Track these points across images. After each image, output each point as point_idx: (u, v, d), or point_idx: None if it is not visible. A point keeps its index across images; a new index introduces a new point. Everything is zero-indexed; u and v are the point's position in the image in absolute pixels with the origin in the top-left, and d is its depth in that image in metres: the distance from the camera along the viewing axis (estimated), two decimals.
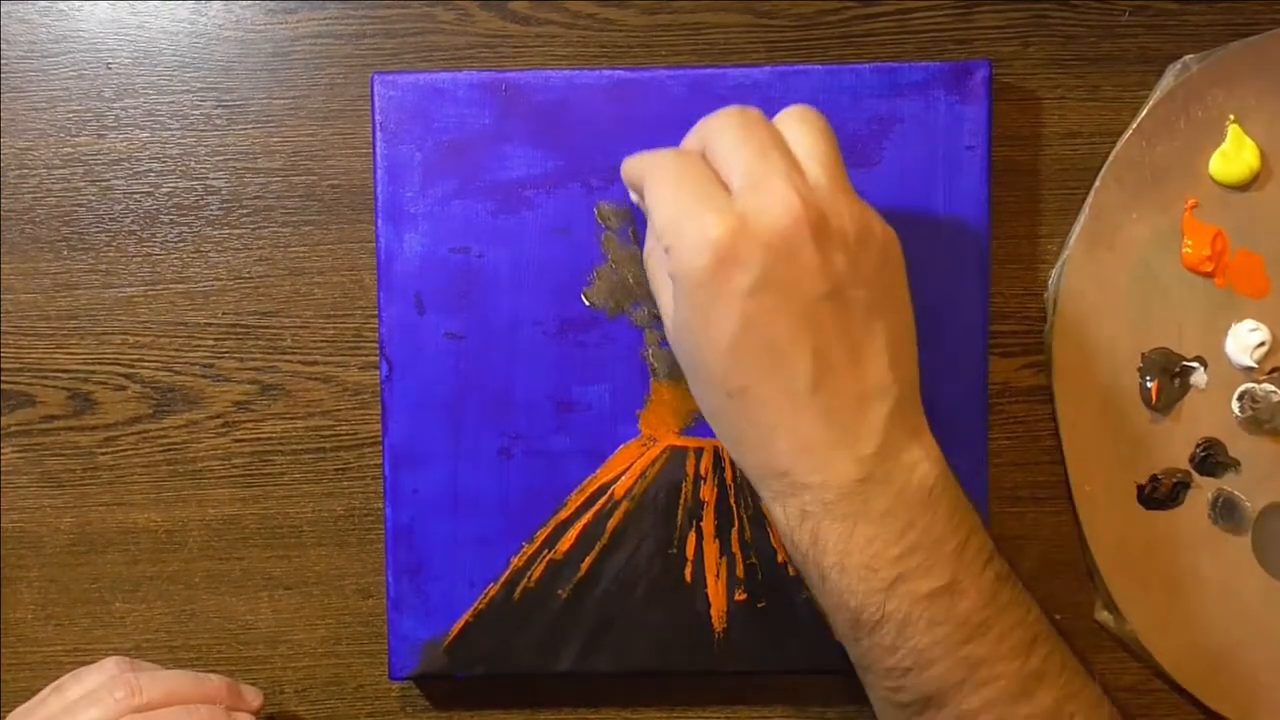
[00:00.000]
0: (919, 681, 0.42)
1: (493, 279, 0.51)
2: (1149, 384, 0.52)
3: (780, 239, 0.40)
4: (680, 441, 0.51)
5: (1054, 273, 0.53)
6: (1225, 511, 0.52)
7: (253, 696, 0.50)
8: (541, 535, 0.51)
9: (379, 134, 0.51)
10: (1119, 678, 0.54)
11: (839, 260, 0.41)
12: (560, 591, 0.51)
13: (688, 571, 0.51)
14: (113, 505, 0.54)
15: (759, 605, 0.51)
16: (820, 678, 0.53)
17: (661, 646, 0.51)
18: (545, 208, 0.51)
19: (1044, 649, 0.42)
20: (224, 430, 0.53)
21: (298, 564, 0.54)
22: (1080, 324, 0.52)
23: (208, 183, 0.53)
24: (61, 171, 0.53)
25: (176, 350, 0.53)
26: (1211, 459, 0.52)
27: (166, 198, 0.53)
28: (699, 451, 0.51)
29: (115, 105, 0.53)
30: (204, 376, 0.53)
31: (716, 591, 0.51)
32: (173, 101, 0.53)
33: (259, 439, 0.54)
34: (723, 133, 0.42)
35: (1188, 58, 0.52)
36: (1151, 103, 0.52)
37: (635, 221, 0.51)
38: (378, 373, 0.53)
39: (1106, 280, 0.52)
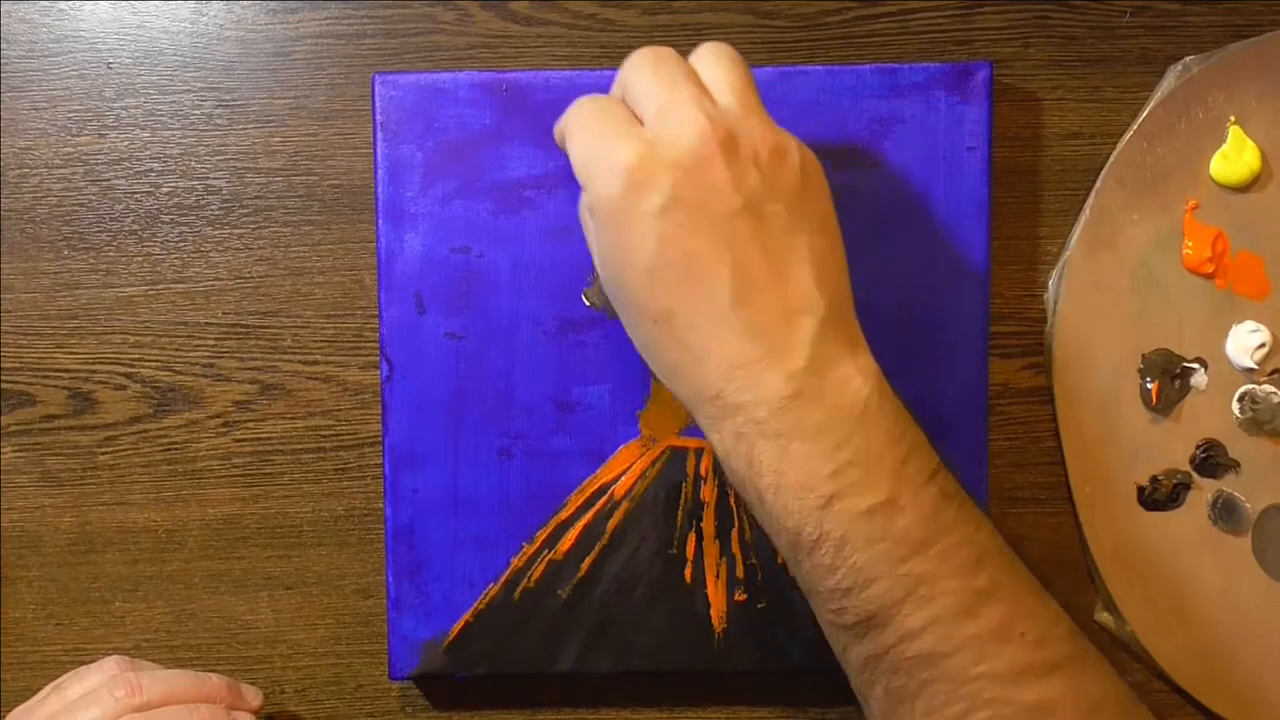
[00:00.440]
0: (860, 601, 0.41)
1: (493, 279, 0.51)
2: (1149, 385, 0.52)
3: (689, 158, 0.41)
4: (680, 442, 0.51)
5: (1054, 273, 0.53)
6: (1225, 513, 0.52)
7: (252, 696, 0.50)
8: (542, 535, 0.51)
9: (380, 134, 0.51)
10: None
11: (752, 177, 0.41)
12: (560, 592, 0.51)
13: (688, 572, 0.51)
14: (113, 505, 0.54)
15: (759, 606, 0.51)
16: (820, 678, 0.53)
17: (661, 646, 0.51)
18: (546, 208, 0.51)
19: (992, 566, 0.41)
20: (224, 430, 0.53)
21: (298, 564, 0.54)
22: (1080, 325, 0.52)
23: (208, 182, 0.53)
24: (62, 171, 0.53)
25: (177, 350, 0.53)
26: (1211, 460, 0.52)
27: (167, 197, 0.53)
28: (699, 452, 0.51)
29: (116, 105, 0.53)
30: (204, 376, 0.53)
31: (716, 592, 0.51)
32: (173, 101, 0.53)
33: (259, 439, 0.54)
34: (635, 71, 0.43)
35: (1188, 59, 0.52)
36: (1152, 104, 0.52)
37: None
38: (378, 373, 0.53)
39: (1107, 281, 0.52)
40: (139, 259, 0.53)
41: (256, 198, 0.53)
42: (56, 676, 0.48)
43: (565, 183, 0.51)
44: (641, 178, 0.41)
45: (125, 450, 0.54)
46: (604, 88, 0.50)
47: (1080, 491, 0.52)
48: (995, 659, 0.41)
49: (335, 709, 0.54)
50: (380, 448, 0.53)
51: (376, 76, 0.51)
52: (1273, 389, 0.52)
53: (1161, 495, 0.52)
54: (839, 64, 0.52)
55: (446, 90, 0.50)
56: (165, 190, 0.53)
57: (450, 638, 0.51)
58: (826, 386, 0.41)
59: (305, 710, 0.54)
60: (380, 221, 0.51)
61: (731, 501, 0.51)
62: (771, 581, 0.51)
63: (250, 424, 0.53)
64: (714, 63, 0.43)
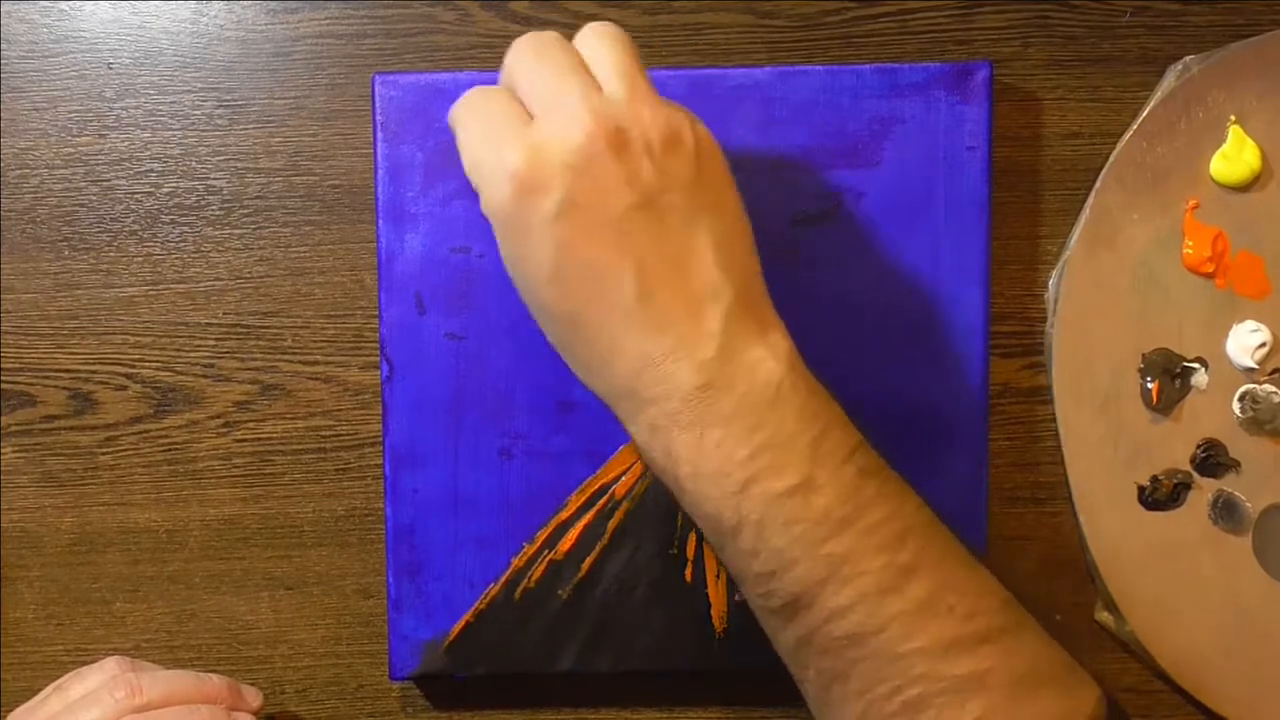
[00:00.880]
0: (783, 584, 0.41)
1: (493, 279, 0.51)
2: (1149, 385, 0.52)
3: (577, 158, 0.40)
4: None
5: (1054, 273, 0.53)
6: (1225, 512, 0.52)
7: (253, 697, 0.50)
8: (542, 535, 0.51)
9: (380, 134, 0.51)
10: (1119, 678, 0.54)
11: (645, 169, 0.40)
12: (561, 592, 0.51)
13: (688, 572, 0.51)
14: (113, 505, 0.54)
15: None
16: None
17: (661, 646, 0.51)
18: None
19: (916, 541, 0.41)
20: (225, 430, 0.54)
21: (298, 564, 0.54)
22: (1080, 324, 0.52)
23: (209, 183, 0.53)
24: (63, 171, 0.53)
25: (177, 350, 0.53)
26: (1212, 460, 0.52)
27: (168, 198, 0.53)
28: None
29: (116, 105, 0.53)
30: (205, 376, 0.53)
31: (716, 591, 0.51)
32: (174, 101, 0.53)
33: (260, 439, 0.54)
34: (519, 62, 0.42)
35: (1188, 58, 0.52)
36: (1152, 104, 0.52)
37: None
38: (378, 373, 0.53)
39: (1107, 281, 0.52)
40: (139, 259, 0.53)
41: (257, 198, 0.53)
42: (57, 677, 0.48)
43: None
44: (532, 183, 0.40)
45: (126, 451, 0.54)
46: None
47: (1080, 491, 0.52)
48: (923, 634, 0.40)
49: (336, 709, 0.54)
50: (381, 448, 0.53)
51: (376, 76, 0.51)
52: (1273, 388, 0.52)
53: (1162, 495, 0.52)
54: (839, 64, 0.52)
55: (446, 90, 0.50)
56: (165, 190, 0.53)
57: (451, 638, 0.51)
58: (738, 372, 0.41)
59: (306, 710, 0.54)
60: (380, 222, 0.51)
61: None
62: None
63: (251, 424, 0.53)
64: (597, 45, 0.42)
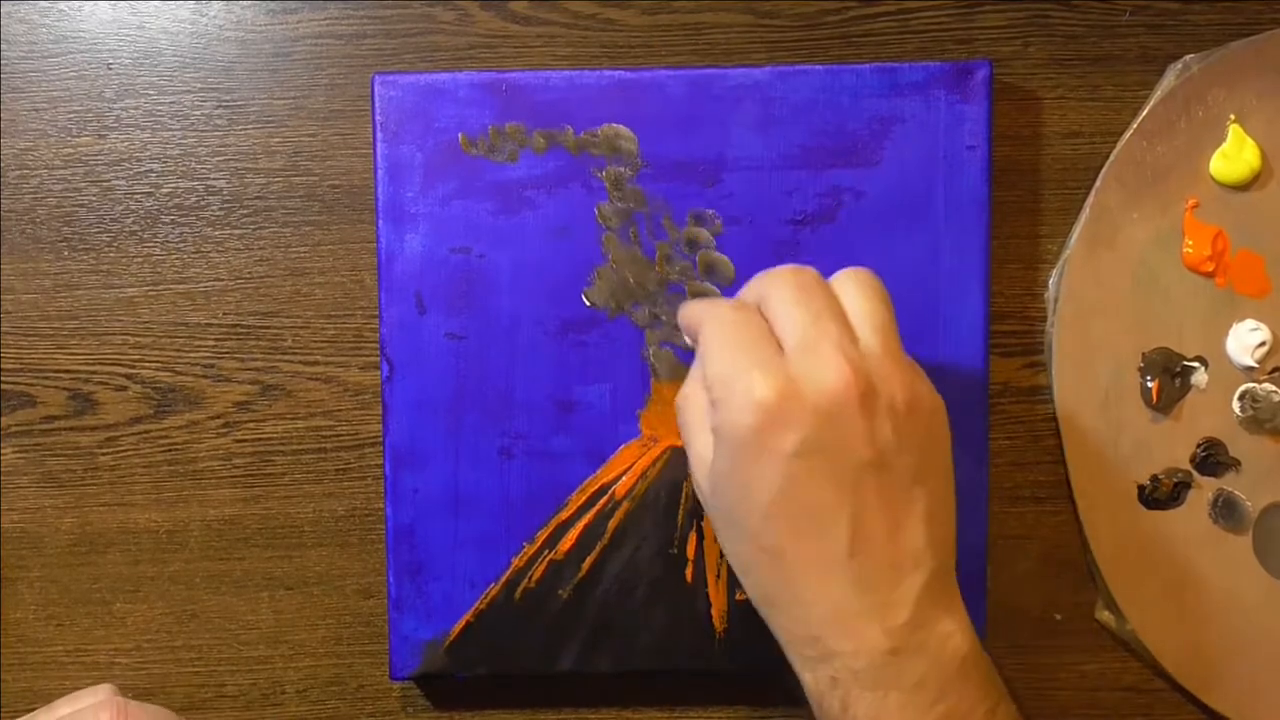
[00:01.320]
0: None
1: (493, 279, 0.51)
2: (1149, 384, 0.52)
3: (828, 404, 0.40)
4: (681, 441, 0.51)
5: (1054, 273, 0.53)
6: (1225, 511, 0.52)
7: None
8: (542, 535, 0.51)
9: (379, 134, 0.51)
10: (1119, 678, 0.54)
11: (885, 429, 0.41)
12: (561, 591, 0.51)
13: (688, 572, 0.51)
14: (113, 505, 0.54)
15: None
16: None
17: (661, 646, 0.51)
18: (546, 208, 0.51)
19: None
20: (225, 430, 0.54)
21: (298, 564, 0.54)
22: (1080, 324, 0.52)
23: (209, 183, 0.53)
24: (62, 172, 0.53)
25: (177, 350, 0.53)
26: (1212, 459, 0.52)
27: (167, 198, 0.53)
28: None
29: (116, 106, 0.53)
30: (205, 377, 0.53)
31: (717, 591, 0.51)
32: (174, 102, 0.53)
33: (260, 439, 0.54)
34: (779, 291, 0.43)
35: (1188, 57, 0.52)
36: (1152, 103, 0.52)
37: (635, 222, 0.51)
38: (378, 373, 0.53)
39: (1107, 280, 0.52)
40: (139, 260, 0.53)
41: (256, 198, 0.53)
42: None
43: (565, 182, 0.51)
44: (779, 416, 0.40)
45: (126, 451, 0.54)
46: (604, 88, 0.50)
47: (1081, 490, 0.52)
48: None
49: (336, 709, 0.54)
50: (381, 448, 0.53)
51: (376, 76, 0.51)
52: (1273, 387, 0.52)
53: (1162, 494, 0.52)
54: (838, 63, 0.52)
55: (446, 90, 0.50)
56: (165, 191, 0.53)
57: (451, 638, 0.51)
58: (928, 642, 0.41)
59: (306, 710, 0.54)
60: (380, 222, 0.51)
61: None
62: None
63: (251, 424, 0.54)
64: (858, 294, 0.43)
